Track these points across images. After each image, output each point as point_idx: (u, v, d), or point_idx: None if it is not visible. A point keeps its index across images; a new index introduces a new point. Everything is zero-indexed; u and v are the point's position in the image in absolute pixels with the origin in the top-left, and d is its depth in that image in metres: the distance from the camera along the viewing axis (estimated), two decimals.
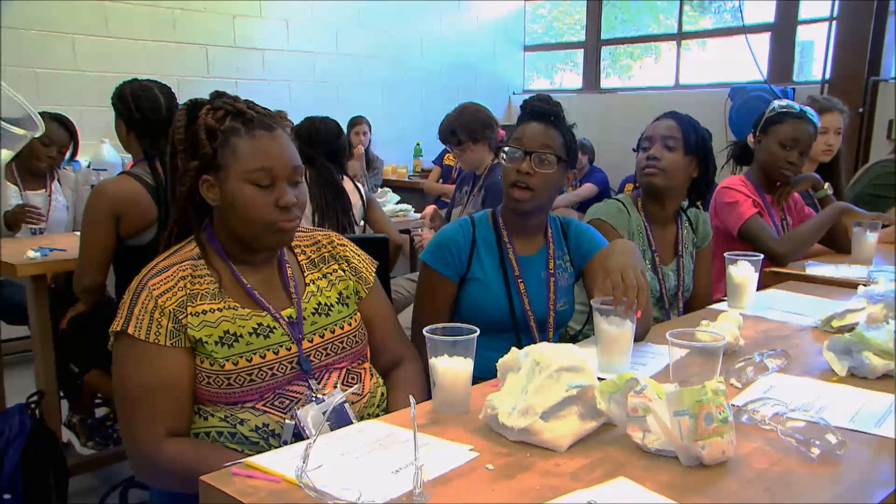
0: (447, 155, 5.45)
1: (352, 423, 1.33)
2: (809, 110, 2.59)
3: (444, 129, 3.30)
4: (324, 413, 1.31)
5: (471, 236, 1.81)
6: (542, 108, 1.78)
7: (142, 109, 2.32)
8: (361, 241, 1.70)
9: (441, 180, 5.55)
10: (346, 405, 1.37)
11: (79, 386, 2.70)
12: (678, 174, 2.12)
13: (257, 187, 1.31)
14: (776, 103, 2.64)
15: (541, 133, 1.75)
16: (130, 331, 1.26)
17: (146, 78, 2.46)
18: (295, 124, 3.03)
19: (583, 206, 5.16)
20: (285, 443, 1.30)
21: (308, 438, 1.28)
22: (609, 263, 1.45)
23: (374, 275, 1.57)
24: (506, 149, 1.78)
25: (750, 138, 2.68)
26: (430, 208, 3.25)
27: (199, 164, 1.32)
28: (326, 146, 2.97)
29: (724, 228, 2.56)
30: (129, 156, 2.49)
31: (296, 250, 1.50)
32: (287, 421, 1.31)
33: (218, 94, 1.38)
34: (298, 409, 1.32)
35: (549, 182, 1.75)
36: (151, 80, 2.45)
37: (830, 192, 2.73)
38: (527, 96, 1.83)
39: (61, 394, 2.68)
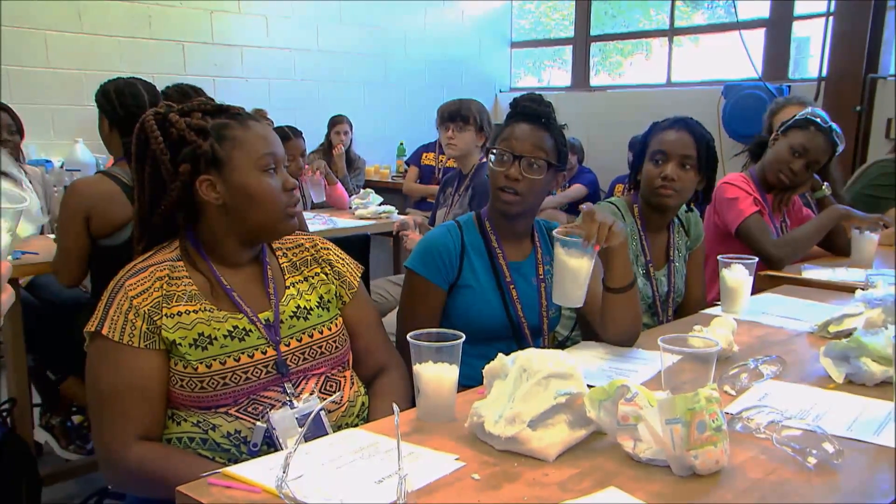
0: (425, 154, 5.32)
1: (327, 432, 1.32)
2: (838, 130, 2.55)
3: (449, 108, 3.28)
4: (297, 419, 1.30)
5: (460, 241, 1.76)
6: (532, 110, 1.72)
7: (126, 107, 2.29)
8: (341, 241, 1.66)
9: (420, 181, 5.41)
10: (322, 413, 1.35)
11: (56, 393, 2.64)
12: (690, 191, 2.09)
13: (266, 173, 1.34)
14: (811, 108, 2.61)
15: (531, 136, 1.69)
16: (104, 332, 1.26)
17: (122, 76, 2.41)
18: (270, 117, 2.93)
19: (571, 208, 5.10)
20: (255, 445, 1.29)
21: (278, 443, 1.28)
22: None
23: (359, 280, 1.55)
24: (494, 150, 1.72)
25: (773, 135, 2.65)
26: (408, 218, 3.17)
27: (190, 166, 1.31)
28: None
29: (723, 225, 2.54)
30: (104, 156, 2.44)
31: (277, 253, 1.49)
32: (259, 424, 1.30)
33: (168, 104, 1.39)
34: (272, 413, 1.31)
35: (537, 187, 1.71)
36: (136, 77, 2.41)
37: (828, 192, 2.71)
38: (514, 94, 1.79)
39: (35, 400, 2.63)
